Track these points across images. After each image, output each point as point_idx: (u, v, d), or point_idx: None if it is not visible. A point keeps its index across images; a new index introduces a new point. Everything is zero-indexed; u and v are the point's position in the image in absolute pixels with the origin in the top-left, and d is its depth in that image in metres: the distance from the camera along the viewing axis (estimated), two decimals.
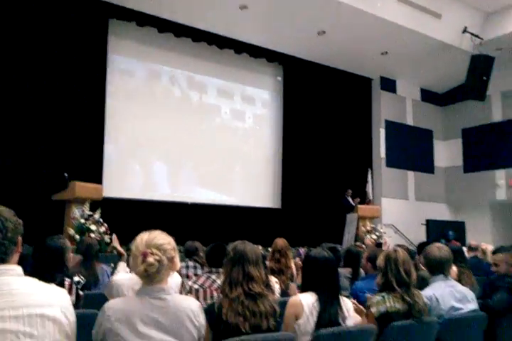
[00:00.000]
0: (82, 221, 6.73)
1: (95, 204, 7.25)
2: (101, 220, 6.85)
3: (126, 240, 7.95)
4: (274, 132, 11.85)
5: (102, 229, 6.69)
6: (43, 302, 1.48)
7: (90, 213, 6.98)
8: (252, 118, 11.52)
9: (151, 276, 1.84)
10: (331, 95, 12.40)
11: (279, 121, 11.90)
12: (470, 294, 3.09)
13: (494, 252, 3.51)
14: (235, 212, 10.60)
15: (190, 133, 10.36)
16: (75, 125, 8.49)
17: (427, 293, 2.94)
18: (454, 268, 4.73)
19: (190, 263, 3.80)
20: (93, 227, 6.53)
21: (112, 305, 1.82)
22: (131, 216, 8.54)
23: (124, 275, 3.10)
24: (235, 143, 11.09)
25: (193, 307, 1.91)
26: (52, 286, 1.58)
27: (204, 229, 9.31)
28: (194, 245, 4.07)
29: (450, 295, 2.97)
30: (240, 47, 10.89)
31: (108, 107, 9.13)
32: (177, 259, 1.94)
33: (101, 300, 2.59)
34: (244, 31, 10.47)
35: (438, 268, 3.09)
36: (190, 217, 9.62)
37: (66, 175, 7.27)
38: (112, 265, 4.07)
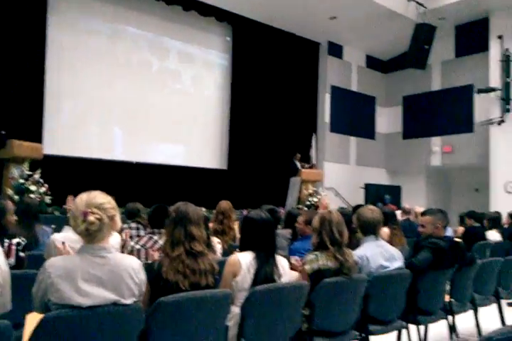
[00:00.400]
0: (22, 181, 6.54)
1: (36, 164, 7.03)
2: (41, 180, 6.67)
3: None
4: (222, 93, 11.76)
5: (43, 189, 6.54)
6: None
7: (30, 173, 6.77)
8: (199, 79, 11.34)
9: (92, 235, 1.87)
10: (279, 58, 12.38)
11: (227, 82, 11.80)
12: (397, 253, 3.33)
13: (422, 214, 3.74)
14: (181, 172, 10.60)
15: (134, 92, 10.10)
16: (13, 81, 8.08)
17: (358, 252, 3.15)
18: (387, 230, 5.04)
19: (133, 225, 3.84)
20: (33, 188, 6.36)
21: (53, 262, 1.85)
22: (74, 175, 8.42)
23: (62, 234, 3.10)
24: (181, 103, 10.92)
25: (133, 264, 1.98)
26: None
27: (149, 190, 9.33)
28: (136, 207, 4.10)
29: (379, 254, 3.20)
30: (188, 4, 10.57)
31: (49, 63, 8.72)
32: (118, 218, 1.98)
33: (42, 261, 2.61)
34: None
35: (370, 229, 3.29)
36: (135, 177, 9.57)
37: (3, 132, 6.98)
38: (54, 226, 4.04)
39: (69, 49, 9.20)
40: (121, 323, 1.87)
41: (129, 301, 1.90)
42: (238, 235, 4.74)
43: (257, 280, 2.51)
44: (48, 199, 6.54)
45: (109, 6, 9.75)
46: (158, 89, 10.57)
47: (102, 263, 1.88)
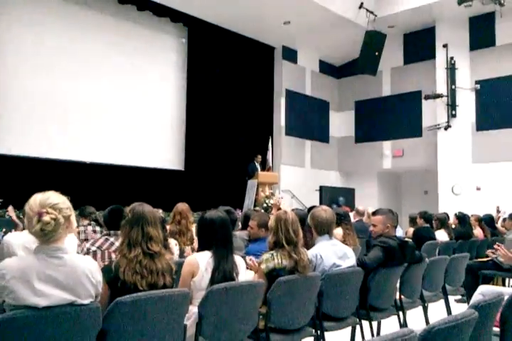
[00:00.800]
0: None
1: None
2: None
3: (20, 200, 7.68)
4: (178, 95, 11.70)
5: None
6: None
7: None
8: (154, 80, 11.20)
9: (47, 235, 1.85)
10: (235, 61, 12.47)
11: (183, 83, 11.75)
12: (349, 252, 3.44)
13: (373, 214, 3.86)
14: (137, 173, 10.47)
15: (88, 91, 9.90)
16: None
17: (312, 251, 3.24)
18: (340, 231, 5.18)
19: (89, 227, 3.79)
20: None
21: (7, 263, 1.82)
22: (24, 175, 8.21)
23: (14, 235, 3.03)
24: (136, 103, 10.77)
25: (89, 265, 1.97)
26: None
27: (103, 191, 9.19)
28: (89, 209, 4.00)
29: (333, 253, 3.30)
30: (142, 4, 10.45)
31: None
32: (73, 218, 1.97)
33: None
34: None
35: (324, 228, 3.39)
36: (89, 178, 9.40)
37: None
38: (4, 230, 3.93)
39: (15, 46, 8.93)
40: (79, 323, 1.86)
41: (86, 301, 1.89)
42: (195, 236, 4.76)
43: (214, 279, 2.54)
44: None
45: (60, 3, 9.51)
46: (113, 88, 10.38)
47: (58, 263, 1.86)
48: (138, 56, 10.85)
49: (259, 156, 11.47)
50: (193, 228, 4.86)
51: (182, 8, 11.02)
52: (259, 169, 11.28)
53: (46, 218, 1.83)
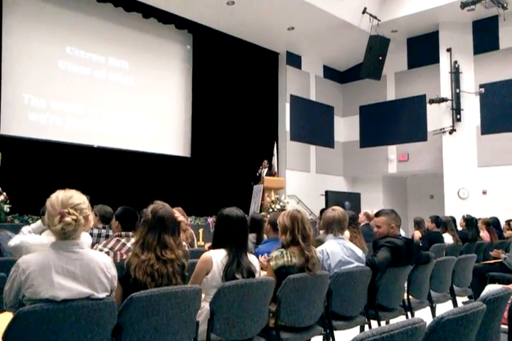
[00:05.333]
0: None
1: None
2: None
3: (29, 182, 7.94)
4: (183, 101, 11.78)
5: (1, 197, 6.37)
6: None
7: None
8: (159, 87, 11.31)
9: (67, 234, 1.91)
10: (240, 67, 12.57)
11: (189, 89, 11.84)
12: (356, 249, 3.50)
13: (376, 215, 3.87)
14: (144, 158, 10.69)
15: (100, 86, 10.24)
16: None
17: (319, 248, 3.30)
18: (347, 233, 5.22)
19: (103, 231, 3.82)
20: None
21: (25, 259, 1.87)
22: (31, 157, 8.55)
23: (31, 235, 3.11)
24: (144, 112, 10.92)
25: (105, 260, 2.03)
26: None
27: (110, 174, 9.56)
28: (108, 211, 3.97)
29: (340, 250, 3.37)
30: (148, 12, 10.58)
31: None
32: (91, 217, 2.03)
33: (5, 266, 2.59)
34: None
35: (331, 227, 3.45)
36: (97, 161, 9.64)
37: None
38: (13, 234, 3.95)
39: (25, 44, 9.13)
40: (96, 317, 1.90)
41: (102, 295, 1.94)
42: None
43: (227, 276, 2.58)
44: (6, 207, 6.37)
45: (65, 11, 9.65)
46: (126, 98, 10.63)
47: (75, 258, 1.91)
48: (143, 63, 10.97)
49: (265, 161, 11.50)
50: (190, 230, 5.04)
51: (186, 15, 11.15)
52: (263, 174, 11.31)
53: (68, 219, 1.88)
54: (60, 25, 9.60)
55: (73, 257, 1.91)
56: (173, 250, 2.36)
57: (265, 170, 11.40)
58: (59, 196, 1.95)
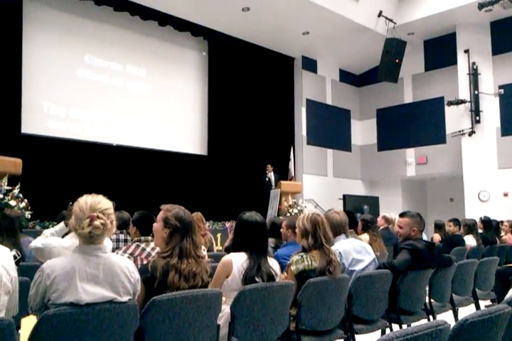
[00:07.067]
0: (0, 196, 6.44)
1: (14, 179, 6.95)
2: (21, 195, 6.59)
3: (49, 189, 8.14)
4: (200, 107, 11.84)
5: (23, 204, 6.46)
6: None
7: (9, 188, 6.68)
8: (176, 94, 11.41)
9: (93, 238, 1.95)
10: (255, 72, 12.61)
11: (205, 96, 11.91)
12: (368, 247, 3.56)
13: (400, 215, 3.84)
14: (161, 157, 10.82)
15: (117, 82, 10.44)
16: None
17: (332, 248, 3.30)
18: (366, 237, 5.19)
19: (121, 236, 3.85)
20: (13, 203, 6.28)
21: (50, 263, 1.90)
22: (51, 163, 8.74)
23: (54, 238, 3.16)
24: (158, 119, 11.01)
25: (127, 264, 2.05)
26: None
27: (128, 172, 9.72)
28: (126, 217, 4.00)
29: (352, 249, 3.41)
30: (164, 19, 10.70)
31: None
32: (115, 222, 2.05)
33: (28, 271, 2.64)
34: (168, 3, 10.26)
35: (339, 229, 3.51)
36: (115, 160, 9.79)
37: None
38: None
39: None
40: (119, 320, 1.92)
41: (124, 299, 1.96)
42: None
43: (247, 280, 2.58)
44: (28, 214, 6.46)
45: (83, 20, 9.82)
46: (143, 104, 10.77)
47: (98, 262, 1.94)
48: (160, 70, 11.08)
49: (270, 165, 11.44)
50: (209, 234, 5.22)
51: (202, 22, 11.25)
52: (272, 179, 11.27)
53: (97, 223, 1.92)
54: (79, 34, 9.77)
55: (97, 261, 1.94)
56: (201, 247, 2.44)
57: (272, 174, 11.38)
58: (87, 200, 1.99)
